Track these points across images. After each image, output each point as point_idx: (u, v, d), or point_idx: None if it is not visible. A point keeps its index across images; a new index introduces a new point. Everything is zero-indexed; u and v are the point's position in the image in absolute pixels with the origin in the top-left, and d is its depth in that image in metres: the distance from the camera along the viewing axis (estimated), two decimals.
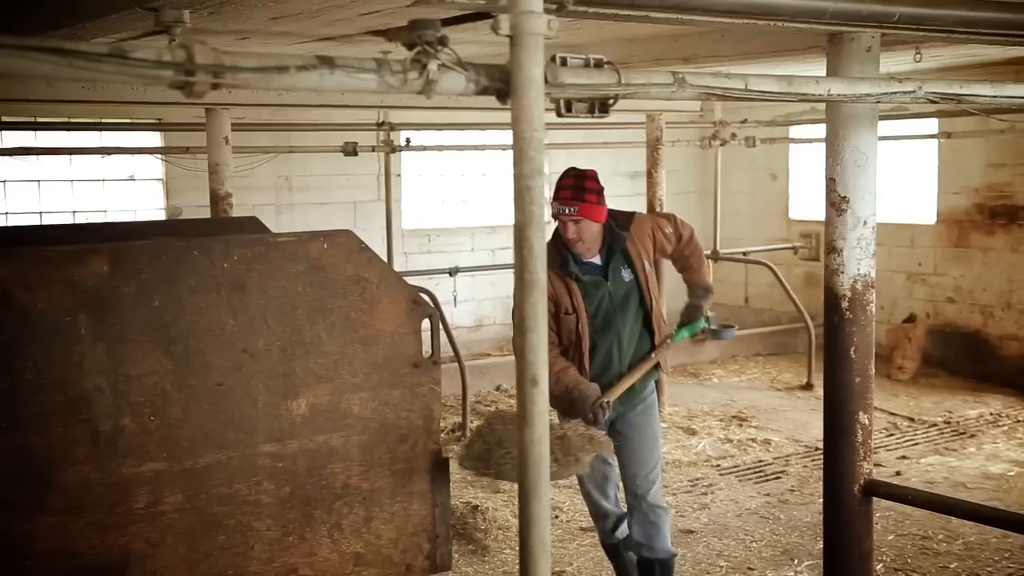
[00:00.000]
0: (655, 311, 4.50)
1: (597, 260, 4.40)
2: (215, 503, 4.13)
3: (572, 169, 4.36)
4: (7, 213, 8.59)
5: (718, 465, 6.99)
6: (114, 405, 3.97)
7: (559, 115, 2.29)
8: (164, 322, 4.11)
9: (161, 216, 9.25)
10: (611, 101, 2.38)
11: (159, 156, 9.06)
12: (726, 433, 7.70)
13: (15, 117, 8.00)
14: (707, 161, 11.49)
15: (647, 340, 4.50)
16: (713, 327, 4.70)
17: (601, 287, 4.37)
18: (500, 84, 2.12)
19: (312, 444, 4.32)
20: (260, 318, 4.32)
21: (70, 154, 8.29)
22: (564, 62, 2.29)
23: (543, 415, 2.04)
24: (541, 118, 2.03)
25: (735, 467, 6.96)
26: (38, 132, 8.27)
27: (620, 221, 4.44)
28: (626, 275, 4.39)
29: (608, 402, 4.26)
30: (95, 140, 8.66)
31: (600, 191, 4.31)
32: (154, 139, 9.21)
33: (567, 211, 4.22)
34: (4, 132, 8.08)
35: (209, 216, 7.08)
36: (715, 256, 10.07)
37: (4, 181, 8.70)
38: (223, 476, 4.11)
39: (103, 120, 8.31)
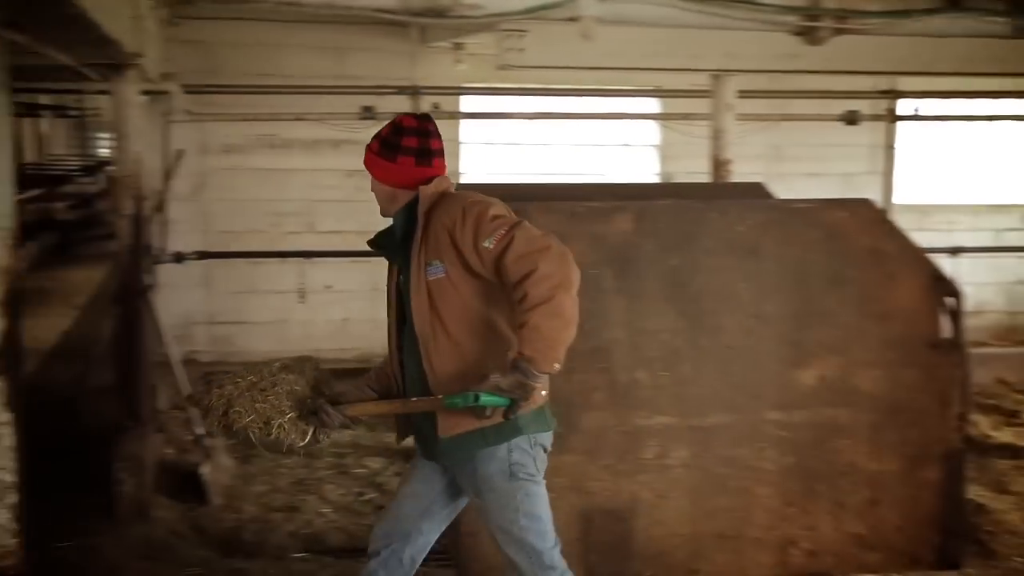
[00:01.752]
0: (436, 340, 3.02)
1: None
2: (719, 464, 4.16)
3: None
4: (520, 173, 9.36)
5: None
6: (631, 357, 4.14)
7: None
8: (680, 281, 4.20)
9: None
10: None
11: (659, 121, 9.35)
12: None
13: (539, 84, 8.65)
14: None
15: (421, 371, 3.08)
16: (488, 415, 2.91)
17: (394, 269, 3.23)
18: None
19: (819, 417, 4.20)
20: (772, 284, 4.27)
21: (579, 119, 8.83)
22: None
23: None
24: None
25: None
26: (547, 97, 8.90)
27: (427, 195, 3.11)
28: (413, 268, 3.07)
29: (332, 411, 3.04)
30: (597, 106, 9.16)
31: (391, 144, 3.09)
32: (652, 106, 9.51)
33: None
34: (544, 97, 8.78)
35: None
36: None
37: (517, 144, 9.48)
38: (728, 438, 4.13)
39: (605, 87, 8.76)
